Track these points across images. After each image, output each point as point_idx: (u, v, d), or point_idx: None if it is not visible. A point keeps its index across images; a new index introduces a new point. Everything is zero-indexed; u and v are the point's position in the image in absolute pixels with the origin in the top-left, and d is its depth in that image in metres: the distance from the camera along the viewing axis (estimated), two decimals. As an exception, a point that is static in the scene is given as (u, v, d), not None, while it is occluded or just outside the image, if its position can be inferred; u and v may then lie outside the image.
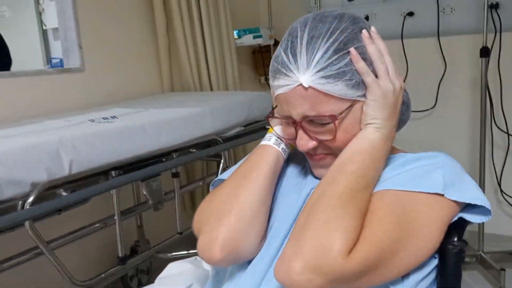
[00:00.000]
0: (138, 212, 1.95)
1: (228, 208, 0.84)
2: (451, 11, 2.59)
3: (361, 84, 0.79)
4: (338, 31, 0.78)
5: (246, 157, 0.93)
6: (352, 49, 0.78)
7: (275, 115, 0.88)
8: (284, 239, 0.84)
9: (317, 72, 0.76)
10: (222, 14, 2.70)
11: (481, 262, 2.37)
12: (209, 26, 2.59)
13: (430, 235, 0.76)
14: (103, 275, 1.59)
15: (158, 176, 1.68)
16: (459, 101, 2.67)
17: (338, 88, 0.77)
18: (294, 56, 0.78)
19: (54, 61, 3.72)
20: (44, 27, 3.71)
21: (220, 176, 1.00)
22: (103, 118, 1.75)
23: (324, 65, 0.76)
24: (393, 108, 0.81)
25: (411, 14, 2.69)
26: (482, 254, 2.37)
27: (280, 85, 0.80)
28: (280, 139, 0.90)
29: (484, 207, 0.79)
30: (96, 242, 2.15)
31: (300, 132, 0.82)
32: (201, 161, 2.64)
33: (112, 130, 1.57)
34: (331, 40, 0.77)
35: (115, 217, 1.60)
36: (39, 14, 3.75)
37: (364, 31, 0.80)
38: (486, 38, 2.26)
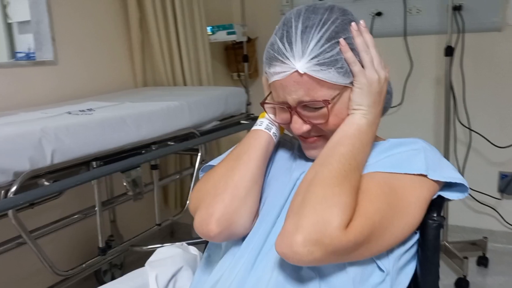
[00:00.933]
0: (117, 204, 1.95)
1: (223, 187, 0.88)
2: (417, 12, 2.70)
3: (350, 72, 0.84)
4: (329, 22, 0.84)
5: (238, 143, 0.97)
6: (341, 40, 0.83)
7: (269, 101, 0.93)
8: (276, 217, 0.88)
9: (311, 59, 0.82)
10: (196, 10, 2.71)
11: (446, 251, 2.49)
12: (182, 21, 2.61)
13: (415, 212, 0.83)
14: (84, 265, 1.59)
15: (139, 168, 1.70)
16: (425, 98, 2.78)
17: (330, 75, 0.82)
18: (290, 44, 0.83)
19: (19, 55, 3.63)
20: (8, 21, 3.63)
21: (210, 162, 1.04)
22: (80, 111, 1.75)
23: (318, 53, 0.82)
24: (378, 96, 0.87)
25: (379, 14, 2.78)
26: (447, 244, 2.48)
27: (277, 71, 0.85)
28: (271, 124, 0.95)
29: (460, 186, 0.87)
30: (73, 234, 2.14)
31: (295, 117, 0.87)
32: (174, 155, 2.65)
33: (92, 122, 1.57)
34: (323, 29, 0.83)
35: (96, 208, 1.60)
36: (4, 7, 3.65)
37: (353, 23, 0.86)
38: (450, 38, 2.38)
